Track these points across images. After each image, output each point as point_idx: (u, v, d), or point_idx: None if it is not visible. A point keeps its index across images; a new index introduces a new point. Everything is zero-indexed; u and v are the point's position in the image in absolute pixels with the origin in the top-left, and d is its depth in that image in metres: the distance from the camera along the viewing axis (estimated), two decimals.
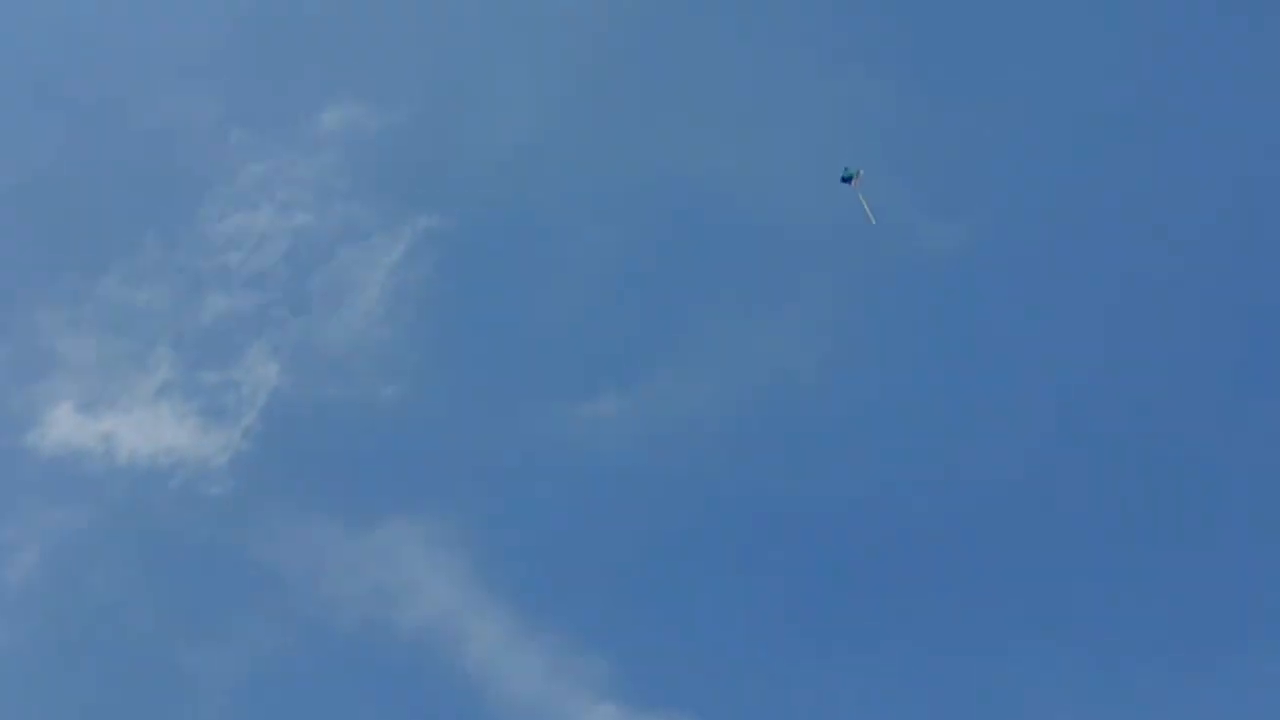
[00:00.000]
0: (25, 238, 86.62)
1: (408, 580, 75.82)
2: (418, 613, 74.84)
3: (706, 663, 74.24)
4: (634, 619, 75.87)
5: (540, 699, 72.53)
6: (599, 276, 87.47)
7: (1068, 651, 73.24)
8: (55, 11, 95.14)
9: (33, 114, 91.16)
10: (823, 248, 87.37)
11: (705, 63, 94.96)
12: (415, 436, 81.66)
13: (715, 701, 72.86)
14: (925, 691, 73.22)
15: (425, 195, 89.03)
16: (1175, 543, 76.12)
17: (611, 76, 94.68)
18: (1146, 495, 77.41)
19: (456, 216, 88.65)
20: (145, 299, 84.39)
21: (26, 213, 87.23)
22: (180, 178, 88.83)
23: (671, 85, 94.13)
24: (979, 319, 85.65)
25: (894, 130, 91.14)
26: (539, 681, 73.01)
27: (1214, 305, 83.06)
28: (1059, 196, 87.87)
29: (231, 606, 75.32)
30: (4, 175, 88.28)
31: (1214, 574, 74.64)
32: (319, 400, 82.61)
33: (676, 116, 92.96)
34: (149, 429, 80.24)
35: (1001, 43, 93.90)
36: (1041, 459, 78.92)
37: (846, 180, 77.45)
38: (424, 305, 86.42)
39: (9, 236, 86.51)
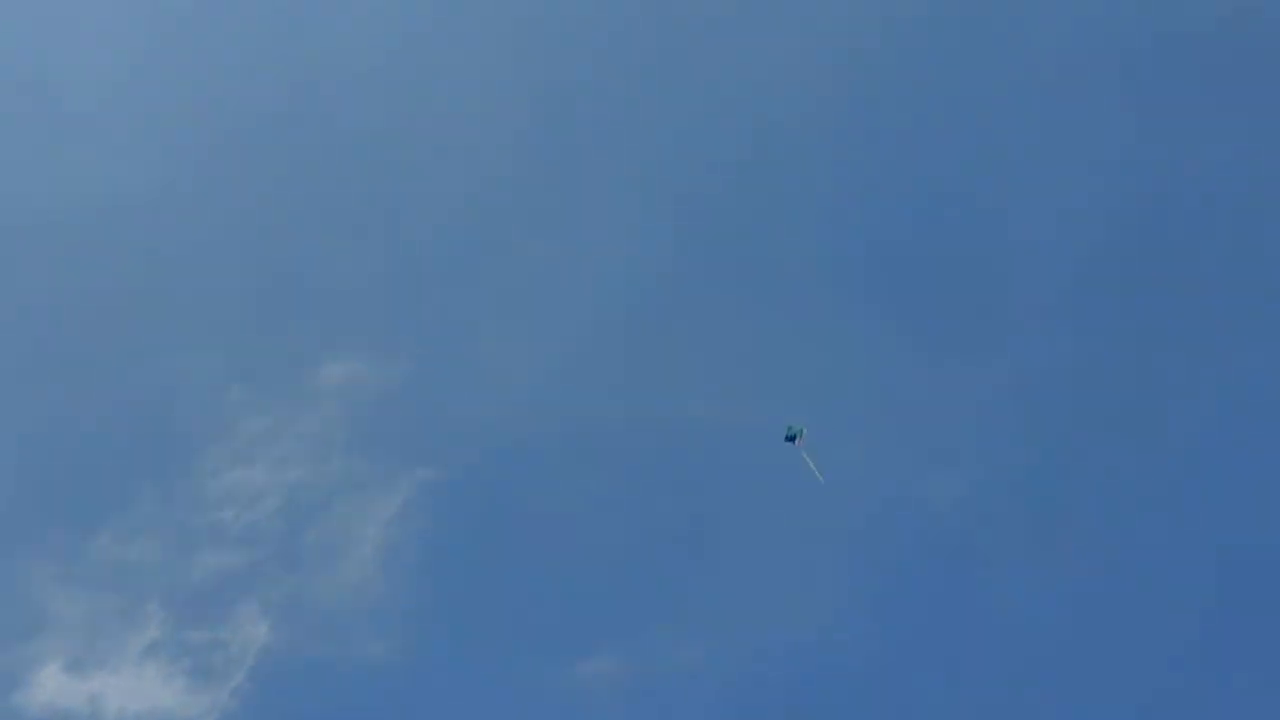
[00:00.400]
0: (20, 492, 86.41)
1: None
2: None
3: None
4: None
5: None
6: (594, 531, 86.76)
7: None
8: (52, 278, 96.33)
9: (31, 370, 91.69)
10: (820, 498, 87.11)
11: (696, 313, 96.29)
12: (407, 696, 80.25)
13: None
14: None
15: (422, 449, 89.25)
16: None
17: (604, 329, 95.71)
18: None
19: (453, 470, 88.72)
20: (137, 555, 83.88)
21: (22, 467, 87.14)
22: (178, 433, 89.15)
23: (665, 334, 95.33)
24: (980, 570, 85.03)
25: (890, 382, 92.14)
26: None
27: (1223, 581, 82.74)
28: (1054, 450, 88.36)
29: None
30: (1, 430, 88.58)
31: None
32: (309, 659, 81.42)
33: (670, 365, 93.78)
34: (136, 689, 78.98)
35: (997, 300, 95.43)
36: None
37: (790, 439, 77.78)
38: (419, 560, 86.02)
39: (3, 492, 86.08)
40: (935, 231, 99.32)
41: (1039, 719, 78.64)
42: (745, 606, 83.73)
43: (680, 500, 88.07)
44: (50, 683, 78.38)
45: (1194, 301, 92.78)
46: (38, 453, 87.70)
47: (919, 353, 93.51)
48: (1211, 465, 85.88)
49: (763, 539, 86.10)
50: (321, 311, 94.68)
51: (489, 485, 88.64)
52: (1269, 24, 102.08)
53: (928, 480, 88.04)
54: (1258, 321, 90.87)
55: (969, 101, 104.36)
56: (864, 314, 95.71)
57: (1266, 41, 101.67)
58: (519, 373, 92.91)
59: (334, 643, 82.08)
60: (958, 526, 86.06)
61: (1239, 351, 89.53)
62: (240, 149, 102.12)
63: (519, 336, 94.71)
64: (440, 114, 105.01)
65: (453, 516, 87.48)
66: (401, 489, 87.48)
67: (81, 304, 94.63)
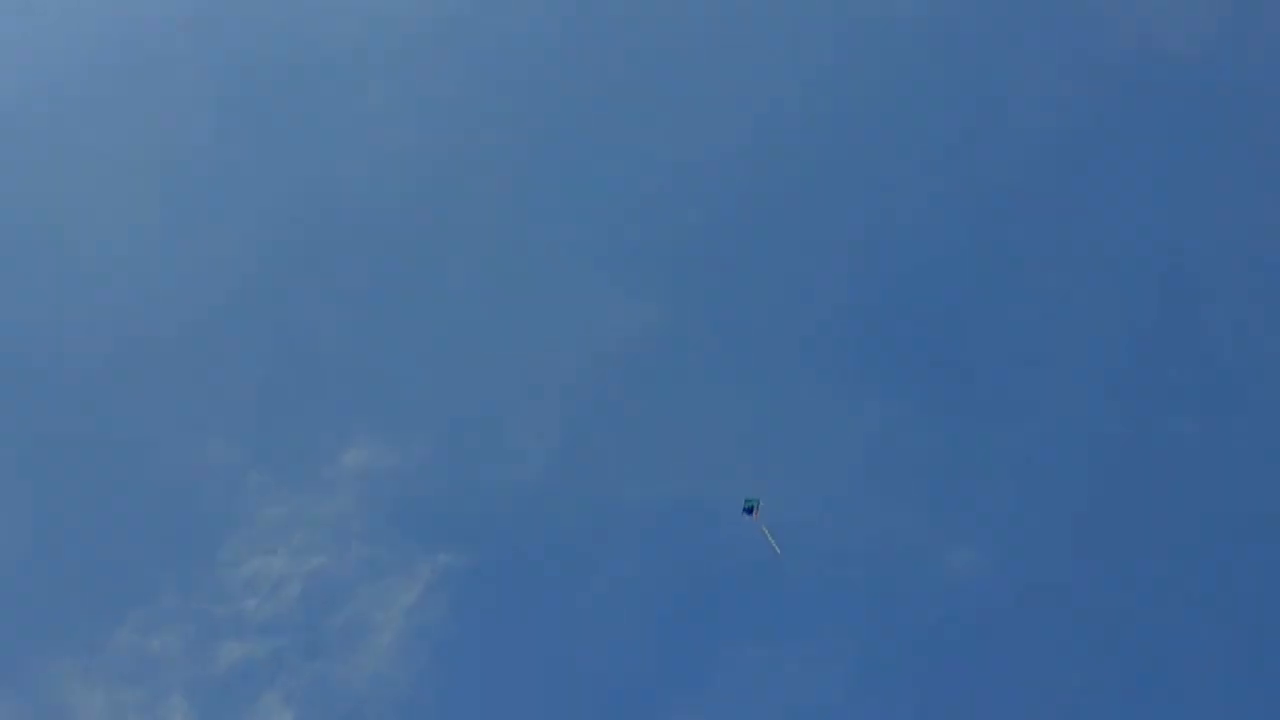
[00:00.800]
0: (41, 587, 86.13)
1: None
2: None
3: None
4: None
5: None
6: (618, 612, 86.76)
7: None
8: (70, 366, 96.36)
9: (49, 460, 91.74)
10: (838, 573, 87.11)
11: (709, 387, 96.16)
12: None
13: None
14: None
15: (443, 533, 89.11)
16: None
17: (623, 406, 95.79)
18: None
19: (473, 554, 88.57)
20: (159, 647, 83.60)
21: (42, 561, 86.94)
22: (199, 523, 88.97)
23: (678, 410, 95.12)
24: (997, 643, 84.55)
25: (903, 453, 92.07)
26: None
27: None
28: (1069, 519, 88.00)
29: None
30: (21, 521, 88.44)
31: None
32: None
33: (684, 441, 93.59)
34: None
35: (1008, 364, 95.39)
36: None
37: (748, 511, 78.03)
38: (441, 646, 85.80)
39: (23, 586, 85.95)
40: (951, 291, 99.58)
41: None
42: (763, 691, 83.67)
43: (701, 579, 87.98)
44: None
45: (1230, 360, 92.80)
46: (58, 545, 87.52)
47: (935, 418, 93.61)
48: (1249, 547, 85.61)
49: (781, 618, 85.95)
50: (338, 397, 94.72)
51: (509, 569, 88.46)
52: None
53: (946, 554, 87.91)
54: None
55: (988, 150, 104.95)
56: (876, 380, 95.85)
57: None
58: (536, 455, 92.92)
59: None
60: (976, 602, 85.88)
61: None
62: (254, 235, 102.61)
63: (535, 419, 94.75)
64: (453, 201, 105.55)
65: (473, 601, 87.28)
66: (422, 574, 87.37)
67: (100, 392, 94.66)
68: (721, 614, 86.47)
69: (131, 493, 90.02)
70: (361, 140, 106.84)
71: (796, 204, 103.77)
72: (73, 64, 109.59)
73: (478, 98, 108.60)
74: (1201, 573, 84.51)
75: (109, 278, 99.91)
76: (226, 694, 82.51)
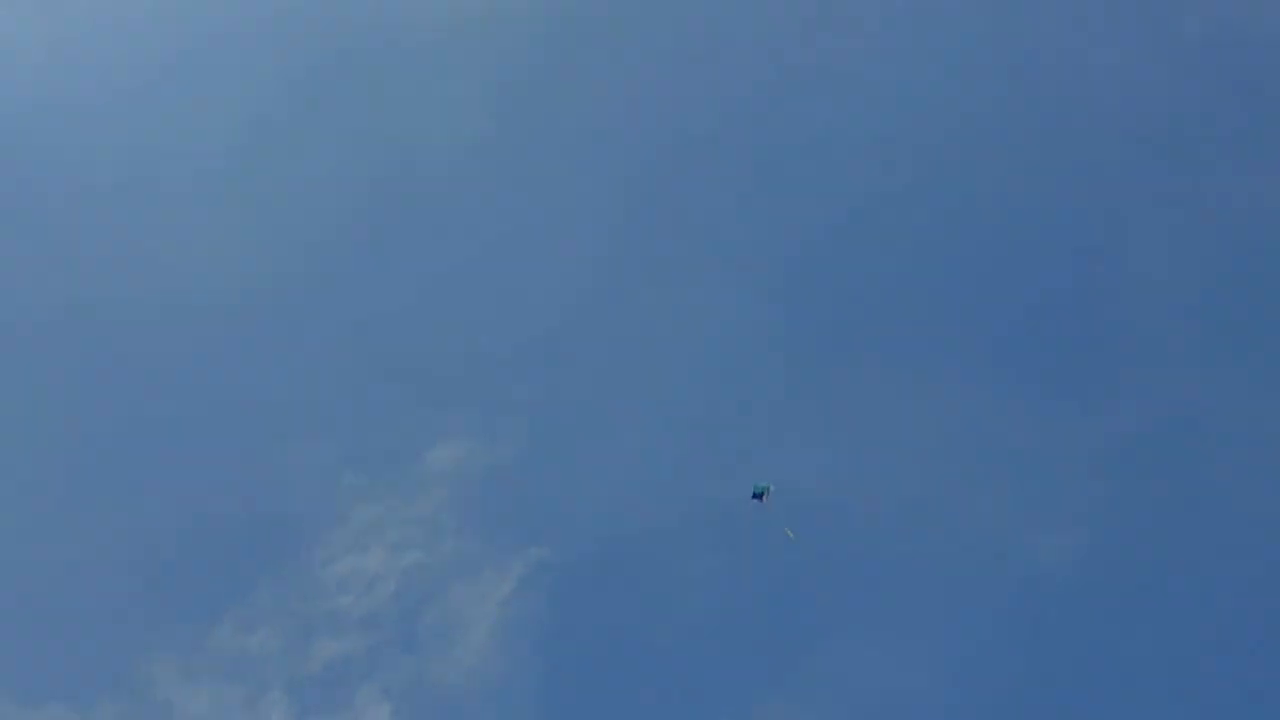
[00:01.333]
0: (141, 588, 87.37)
1: None
2: None
3: None
4: None
5: None
6: (707, 606, 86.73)
7: None
8: (165, 370, 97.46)
9: (146, 462, 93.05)
10: (937, 565, 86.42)
11: (808, 381, 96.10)
12: None
13: None
14: None
15: (534, 528, 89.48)
16: None
17: (709, 399, 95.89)
18: None
19: (566, 548, 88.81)
20: (258, 645, 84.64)
21: (142, 562, 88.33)
22: (294, 522, 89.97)
23: (774, 403, 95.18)
24: (1098, 635, 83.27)
25: (1002, 442, 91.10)
26: None
27: None
28: (1169, 507, 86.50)
29: None
30: (120, 524, 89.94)
31: None
32: None
33: (780, 435, 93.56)
34: None
35: (1096, 348, 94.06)
36: None
37: (757, 496, 77.56)
38: (536, 639, 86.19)
39: (125, 587, 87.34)
40: (1041, 273, 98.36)
41: None
42: (861, 679, 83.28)
43: (794, 571, 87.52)
44: None
45: None
46: (157, 547, 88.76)
47: (1022, 403, 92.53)
48: None
49: (876, 609, 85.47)
50: (428, 395, 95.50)
51: (602, 562, 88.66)
52: None
53: (1041, 540, 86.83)
54: None
55: (1077, 139, 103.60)
56: (960, 365, 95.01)
57: None
58: (627, 448, 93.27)
59: None
60: (1073, 589, 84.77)
61: None
62: (343, 236, 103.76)
63: (626, 412, 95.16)
64: (535, 193, 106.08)
65: (567, 594, 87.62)
66: (515, 569, 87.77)
67: (194, 394, 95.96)
68: (813, 605, 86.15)
69: (227, 494, 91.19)
70: (445, 129, 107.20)
71: (874, 193, 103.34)
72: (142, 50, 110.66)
73: (548, 82, 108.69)
74: None
75: (202, 278, 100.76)
76: (325, 690, 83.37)
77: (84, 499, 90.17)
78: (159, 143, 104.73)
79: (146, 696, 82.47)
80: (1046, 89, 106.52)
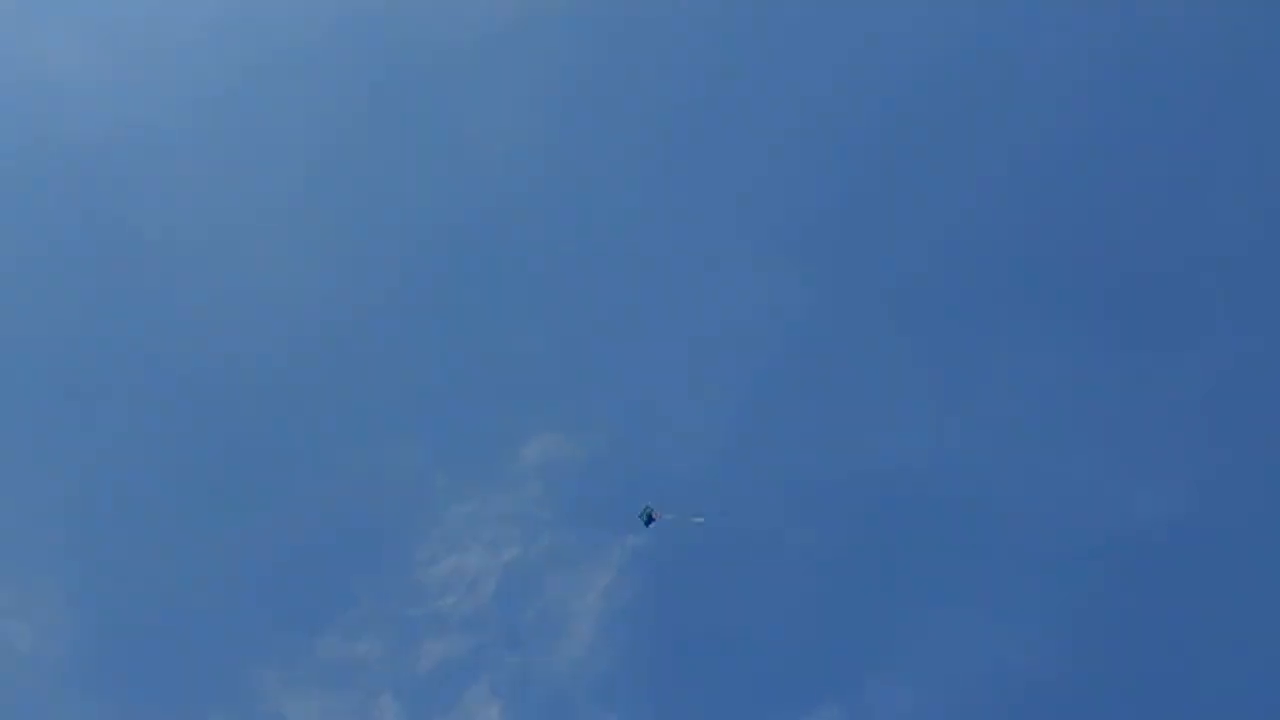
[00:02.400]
0: (246, 599, 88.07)
1: None
2: None
3: None
4: None
5: None
6: (807, 581, 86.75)
7: None
8: (257, 380, 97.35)
9: (241, 476, 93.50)
10: (1030, 529, 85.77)
11: (878, 350, 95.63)
12: None
13: None
14: None
15: (629, 516, 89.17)
16: None
17: (794, 379, 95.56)
18: None
19: (662, 535, 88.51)
20: (364, 650, 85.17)
21: (244, 574, 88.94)
22: (390, 525, 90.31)
23: (855, 376, 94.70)
24: (1202, 596, 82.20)
25: (1099, 401, 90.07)
26: None
27: None
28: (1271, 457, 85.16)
29: None
30: (222, 536, 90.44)
31: None
32: None
33: (863, 408, 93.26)
34: None
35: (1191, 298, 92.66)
36: None
37: (647, 522, 77.54)
38: (639, 627, 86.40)
39: (230, 598, 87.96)
40: (1128, 223, 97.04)
41: None
42: (958, 647, 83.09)
43: (890, 542, 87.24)
44: None
45: None
46: (259, 557, 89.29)
47: (1115, 355, 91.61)
48: None
49: (969, 577, 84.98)
50: (513, 390, 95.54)
51: (699, 547, 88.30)
52: None
53: (1134, 499, 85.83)
54: None
55: (1149, 90, 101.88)
56: (1049, 322, 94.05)
57: None
58: (718, 430, 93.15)
59: (566, 718, 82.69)
60: (1169, 548, 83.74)
61: None
62: (427, 233, 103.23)
63: (716, 394, 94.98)
64: (617, 191, 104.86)
65: (667, 581, 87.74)
66: (613, 559, 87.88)
67: (283, 401, 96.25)
68: (909, 579, 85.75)
69: (323, 500, 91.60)
70: (521, 134, 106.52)
71: (947, 155, 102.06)
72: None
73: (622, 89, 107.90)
74: None
75: (292, 289, 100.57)
76: (433, 692, 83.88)
77: (186, 514, 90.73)
78: (231, 160, 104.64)
79: (257, 707, 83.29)
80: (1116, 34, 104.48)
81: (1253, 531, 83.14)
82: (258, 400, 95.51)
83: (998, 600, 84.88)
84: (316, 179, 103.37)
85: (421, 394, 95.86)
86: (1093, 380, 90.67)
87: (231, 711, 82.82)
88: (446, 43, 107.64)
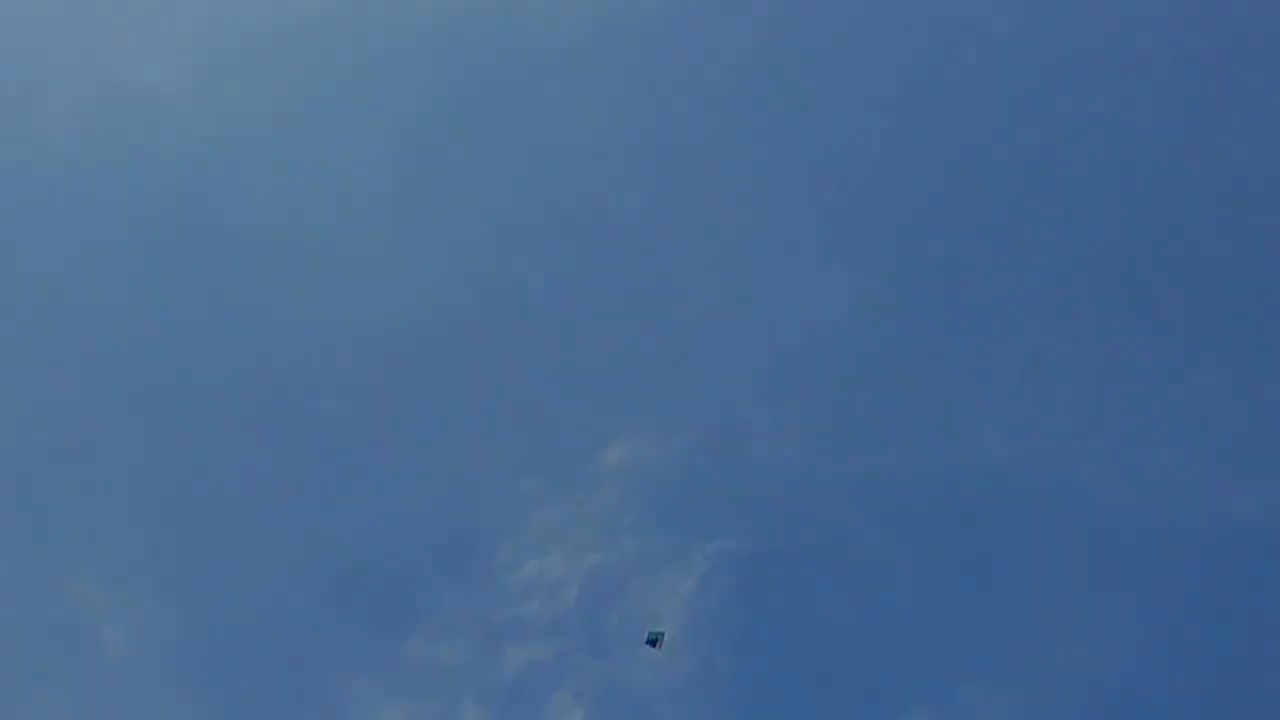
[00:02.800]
0: (332, 606, 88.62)
1: None
2: None
3: None
4: None
5: None
6: (895, 585, 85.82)
7: None
8: (342, 389, 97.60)
9: (324, 480, 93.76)
10: (1123, 529, 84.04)
11: (957, 347, 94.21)
12: None
13: None
14: None
15: (713, 521, 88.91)
16: None
17: (888, 372, 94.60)
18: None
19: (747, 538, 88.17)
20: (449, 656, 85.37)
21: (331, 581, 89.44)
22: (474, 531, 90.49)
23: (940, 376, 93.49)
24: None
25: (1194, 396, 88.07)
26: None
27: None
28: None
29: None
30: (303, 545, 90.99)
31: None
32: None
33: (955, 407, 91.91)
34: None
35: None
36: None
37: (651, 643, 76.03)
38: (725, 632, 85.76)
39: (314, 605, 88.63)
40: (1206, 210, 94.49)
41: None
42: (1064, 657, 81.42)
43: (980, 544, 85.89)
44: None
45: None
46: (342, 563, 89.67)
47: (1206, 352, 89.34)
48: None
49: (1062, 578, 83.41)
50: (595, 395, 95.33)
51: (786, 549, 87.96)
52: None
53: (1231, 497, 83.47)
54: None
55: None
56: (1135, 319, 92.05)
57: None
58: (803, 433, 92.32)
59: None
60: (1269, 547, 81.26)
61: None
62: (511, 237, 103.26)
63: (800, 396, 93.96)
64: (690, 195, 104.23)
65: (753, 585, 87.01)
66: (698, 563, 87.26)
67: (362, 406, 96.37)
68: (1001, 581, 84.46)
69: (406, 506, 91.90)
70: (602, 131, 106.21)
71: (1031, 144, 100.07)
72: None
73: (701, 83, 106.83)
74: None
75: (375, 291, 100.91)
76: (518, 697, 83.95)
77: (276, 521, 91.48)
78: (324, 161, 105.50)
79: (343, 713, 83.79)
80: None
81: None
82: (345, 406, 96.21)
83: (1091, 602, 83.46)
84: (404, 181, 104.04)
85: (503, 398, 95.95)
86: (1187, 375, 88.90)
87: (317, 716, 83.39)
88: (538, 38, 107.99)
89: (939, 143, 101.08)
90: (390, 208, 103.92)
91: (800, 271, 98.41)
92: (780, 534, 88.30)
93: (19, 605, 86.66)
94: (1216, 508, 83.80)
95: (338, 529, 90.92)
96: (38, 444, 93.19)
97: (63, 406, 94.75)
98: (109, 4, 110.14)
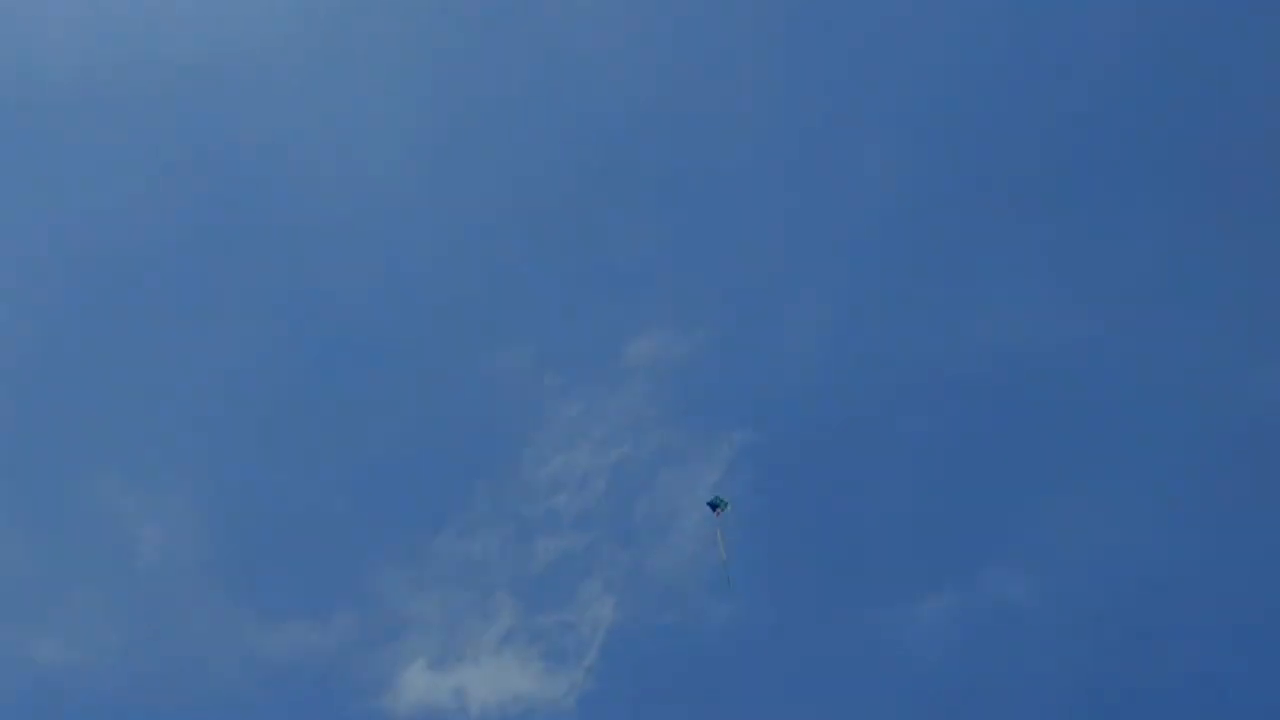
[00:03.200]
0: (366, 502, 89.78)
1: None
2: None
3: None
4: None
5: None
6: (920, 469, 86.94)
7: None
8: (374, 289, 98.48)
9: (355, 381, 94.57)
10: (1146, 412, 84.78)
11: (1003, 229, 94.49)
12: (752, 657, 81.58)
13: None
14: None
15: (736, 413, 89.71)
16: None
17: (903, 259, 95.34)
18: None
19: (770, 430, 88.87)
20: (480, 550, 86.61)
21: (364, 478, 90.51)
22: (501, 427, 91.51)
23: (964, 259, 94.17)
24: None
25: (1218, 281, 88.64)
26: None
27: None
28: None
29: None
30: (336, 445, 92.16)
31: None
32: (655, 631, 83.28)
33: (973, 291, 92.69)
34: (497, 678, 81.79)
35: None
36: None
37: (713, 507, 75.86)
38: (749, 520, 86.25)
39: (348, 503, 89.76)
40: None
41: None
42: (1073, 533, 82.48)
43: (1002, 427, 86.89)
44: (418, 681, 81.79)
45: None
46: (375, 460, 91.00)
47: (1233, 228, 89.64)
48: None
49: (1084, 461, 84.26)
50: (618, 291, 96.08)
51: (808, 440, 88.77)
52: None
53: (1253, 380, 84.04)
54: None
55: None
56: (1166, 194, 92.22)
57: None
58: (823, 324, 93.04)
59: (678, 613, 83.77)
60: None
61: None
62: (532, 139, 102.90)
63: (820, 283, 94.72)
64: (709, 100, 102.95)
65: (776, 475, 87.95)
66: (722, 454, 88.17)
67: (391, 307, 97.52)
68: (1023, 464, 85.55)
69: (434, 404, 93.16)
70: (637, 50, 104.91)
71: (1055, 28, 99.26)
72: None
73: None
74: None
75: (396, 197, 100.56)
76: (548, 588, 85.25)
77: (309, 420, 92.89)
78: (340, 73, 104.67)
79: (379, 607, 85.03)
80: None
81: None
82: (371, 306, 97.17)
83: (1113, 485, 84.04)
84: (427, 91, 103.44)
85: (527, 295, 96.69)
86: (1211, 260, 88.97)
87: (353, 610, 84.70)
88: None
89: (973, 30, 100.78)
90: (407, 109, 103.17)
91: (828, 154, 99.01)
92: (803, 423, 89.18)
93: (56, 510, 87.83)
94: (1233, 386, 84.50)
95: (366, 429, 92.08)
96: (65, 350, 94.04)
97: (88, 309, 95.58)
98: None
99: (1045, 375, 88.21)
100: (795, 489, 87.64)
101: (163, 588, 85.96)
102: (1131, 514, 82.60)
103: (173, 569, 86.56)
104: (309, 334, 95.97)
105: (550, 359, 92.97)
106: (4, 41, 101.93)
